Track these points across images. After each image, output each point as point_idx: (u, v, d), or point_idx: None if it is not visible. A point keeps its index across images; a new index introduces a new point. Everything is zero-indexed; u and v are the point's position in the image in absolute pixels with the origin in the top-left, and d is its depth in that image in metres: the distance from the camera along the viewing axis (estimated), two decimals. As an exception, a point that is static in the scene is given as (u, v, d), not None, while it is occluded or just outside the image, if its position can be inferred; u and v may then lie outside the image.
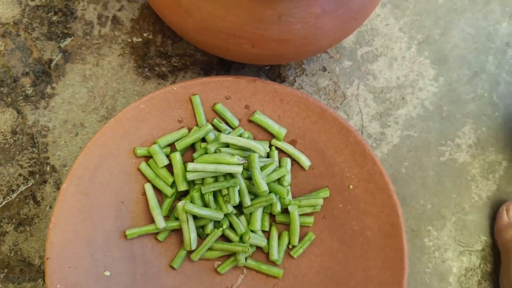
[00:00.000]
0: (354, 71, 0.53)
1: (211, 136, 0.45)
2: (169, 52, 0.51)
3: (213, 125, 0.46)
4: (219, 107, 0.46)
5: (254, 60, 0.44)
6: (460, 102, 0.53)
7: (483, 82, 0.54)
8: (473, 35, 0.55)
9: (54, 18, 0.51)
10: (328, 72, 0.53)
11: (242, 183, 0.43)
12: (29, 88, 0.49)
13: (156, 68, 0.51)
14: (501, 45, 0.55)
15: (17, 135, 0.48)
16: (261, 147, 0.43)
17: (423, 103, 0.53)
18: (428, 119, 0.52)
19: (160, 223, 0.43)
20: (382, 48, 0.54)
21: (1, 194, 0.46)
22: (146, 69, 0.51)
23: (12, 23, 0.51)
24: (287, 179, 0.45)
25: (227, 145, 0.44)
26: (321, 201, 0.45)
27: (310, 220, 0.46)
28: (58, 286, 0.40)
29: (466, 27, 0.55)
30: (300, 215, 0.46)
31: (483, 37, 0.55)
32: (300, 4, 0.39)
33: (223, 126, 0.46)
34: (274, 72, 0.52)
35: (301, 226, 0.46)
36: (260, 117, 0.46)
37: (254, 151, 0.44)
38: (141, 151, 0.44)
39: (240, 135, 0.45)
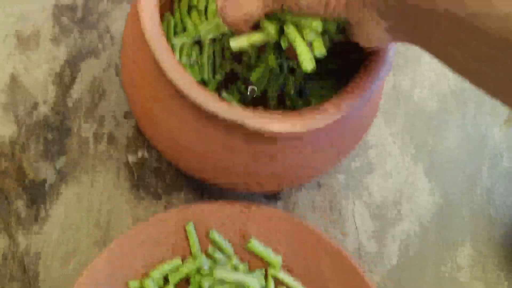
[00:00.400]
0: (349, 185, 0.53)
1: (205, 267, 0.44)
2: (164, 170, 0.51)
3: (207, 254, 0.45)
4: (214, 235, 0.45)
5: (248, 190, 0.44)
6: (457, 216, 0.53)
7: (478, 196, 0.54)
8: (466, 140, 0.55)
9: (50, 136, 0.51)
10: (324, 188, 0.52)
11: None
12: (23, 210, 0.49)
13: (151, 189, 0.51)
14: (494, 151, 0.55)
15: (8, 261, 0.47)
16: (257, 284, 0.43)
17: (420, 219, 0.52)
18: (426, 236, 0.52)
19: None
20: (375, 160, 0.54)
21: (-10, 325, 0.45)
22: (141, 189, 0.50)
23: (8, 143, 0.51)
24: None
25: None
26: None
27: None
28: None
29: (459, 133, 0.56)
30: None
31: (476, 142, 0.55)
32: (292, 146, 0.39)
33: (217, 256, 0.45)
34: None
35: None
36: (255, 246, 0.45)
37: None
38: (134, 284, 0.44)
39: (235, 267, 0.45)
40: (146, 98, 0.40)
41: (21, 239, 0.48)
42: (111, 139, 0.52)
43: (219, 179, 0.42)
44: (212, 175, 0.42)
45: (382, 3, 0.31)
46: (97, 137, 0.52)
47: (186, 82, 0.35)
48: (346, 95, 0.37)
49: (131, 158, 0.51)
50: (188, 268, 0.44)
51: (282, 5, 0.34)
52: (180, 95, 0.37)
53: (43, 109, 0.52)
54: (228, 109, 0.35)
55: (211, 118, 0.37)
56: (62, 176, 0.50)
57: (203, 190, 0.51)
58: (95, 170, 0.51)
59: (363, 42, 0.35)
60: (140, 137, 0.52)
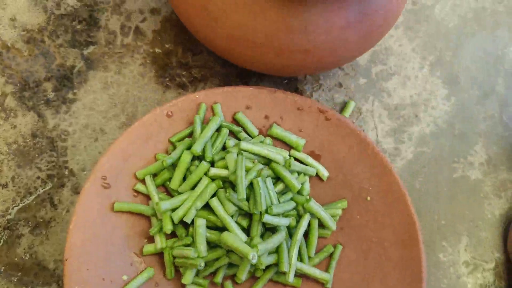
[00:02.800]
0: (369, 88, 0.53)
1: (231, 143, 0.44)
2: (190, 63, 0.51)
3: (233, 133, 0.46)
4: (240, 116, 0.46)
5: (277, 70, 0.44)
6: (471, 121, 0.53)
7: (493, 103, 0.54)
8: (483, 57, 0.56)
9: (78, 26, 0.51)
10: (344, 88, 0.53)
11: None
12: (51, 93, 0.49)
13: (177, 78, 0.51)
14: (510, 68, 0.56)
15: (37, 138, 0.47)
16: (280, 157, 0.43)
17: (436, 121, 0.53)
18: (441, 136, 0.52)
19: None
20: (395, 67, 0.54)
21: (19, 196, 0.45)
22: (167, 79, 0.51)
23: (37, 30, 0.50)
24: (306, 187, 0.45)
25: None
26: (339, 212, 0.45)
27: (327, 231, 0.45)
28: (76, 284, 0.39)
29: (476, 50, 0.56)
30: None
31: (492, 60, 0.56)
32: (326, 16, 0.39)
33: (243, 134, 0.45)
34: (291, 86, 0.52)
35: (319, 237, 0.45)
36: (277, 131, 0.46)
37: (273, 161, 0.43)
38: (162, 156, 0.44)
39: (262, 142, 0.45)
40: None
41: (49, 118, 0.48)
42: (138, 32, 0.52)
43: (251, 55, 0.42)
44: (244, 50, 0.42)
45: None
46: (124, 30, 0.52)
47: None
48: None
49: (158, 51, 0.51)
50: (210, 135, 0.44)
51: None
52: None
53: (71, 1, 0.52)
54: None
55: None
56: (89, 63, 0.50)
57: (228, 82, 0.51)
58: (122, 60, 0.51)
59: None
60: (166, 32, 0.52)
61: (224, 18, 0.40)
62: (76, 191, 0.46)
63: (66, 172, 0.46)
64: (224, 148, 0.45)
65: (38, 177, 0.46)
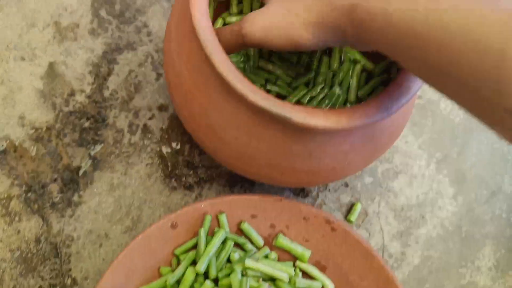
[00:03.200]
0: (375, 187, 0.53)
1: (236, 256, 0.44)
2: (196, 163, 0.51)
3: (238, 244, 0.45)
4: (245, 226, 0.45)
5: (282, 184, 0.44)
6: (479, 223, 0.53)
7: (501, 203, 0.54)
8: (489, 154, 0.56)
9: (86, 124, 0.51)
10: (350, 188, 0.52)
11: None
12: (57, 195, 0.49)
13: (183, 179, 0.51)
14: (517, 166, 0.56)
15: (41, 244, 0.47)
16: (285, 275, 0.42)
17: (443, 223, 0.52)
18: (448, 239, 0.52)
19: None
20: (402, 166, 0.54)
21: (21, 305, 0.45)
22: (173, 180, 0.50)
23: (45, 128, 0.51)
24: (312, 305, 0.44)
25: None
26: (345, 329, 0.44)
27: None
28: None
29: (482, 146, 0.56)
30: None
31: (498, 157, 0.56)
32: (331, 143, 0.39)
33: (248, 246, 0.45)
34: (297, 188, 0.52)
35: None
36: (283, 241, 0.45)
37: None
38: (166, 270, 0.43)
39: (267, 256, 0.44)
40: (190, 90, 0.40)
41: (54, 222, 0.48)
42: (146, 130, 0.52)
43: (256, 173, 0.42)
44: (250, 168, 0.42)
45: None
46: (132, 128, 0.52)
47: (237, 77, 0.35)
48: (387, 96, 0.37)
49: (165, 149, 0.51)
50: (214, 252, 0.44)
51: None
52: (227, 89, 0.37)
53: (80, 98, 0.52)
54: (277, 104, 0.35)
55: (258, 112, 0.36)
56: (96, 164, 0.50)
57: (234, 183, 0.51)
58: (129, 159, 0.51)
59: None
60: (174, 130, 0.52)
61: (229, 138, 0.40)
62: (78, 300, 0.45)
63: (69, 281, 0.46)
64: (229, 260, 0.44)
65: (40, 287, 0.45)
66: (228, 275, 0.43)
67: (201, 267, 0.42)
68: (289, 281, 0.43)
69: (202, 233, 0.44)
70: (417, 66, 0.30)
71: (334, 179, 0.43)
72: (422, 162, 0.54)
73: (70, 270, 0.46)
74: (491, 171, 0.55)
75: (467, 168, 0.55)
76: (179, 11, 0.42)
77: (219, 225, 0.45)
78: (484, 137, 0.56)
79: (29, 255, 0.46)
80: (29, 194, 0.48)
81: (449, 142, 0.55)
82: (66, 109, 0.52)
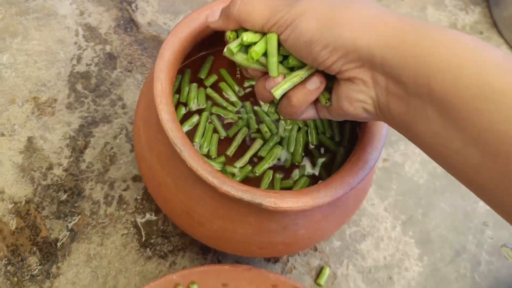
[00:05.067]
0: (344, 250, 0.58)
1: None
2: (170, 231, 0.56)
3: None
4: (217, 295, 0.50)
5: (259, 256, 0.50)
6: (444, 282, 0.58)
7: (465, 262, 0.59)
8: (453, 214, 0.62)
9: (64, 197, 0.57)
10: (319, 252, 0.58)
11: None
12: (35, 267, 0.53)
13: (157, 248, 0.56)
14: (479, 225, 0.61)
15: (20, 317, 0.51)
16: None
17: (410, 284, 0.58)
18: (414, 299, 0.57)
19: None
20: (368, 228, 0.60)
21: None
22: (148, 249, 0.56)
23: (24, 202, 0.56)
24: None
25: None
26: None
27: None
28: None
29: (446, 207, 0.62)
30: None
31: (461, 217, 0.62)
32: (303, 216, 0.45)
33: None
34: (268, 252, 0.57)
35: None
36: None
37: None
38: None
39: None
40: (164, 181, 0.46)
41: (33, 295, 0.52)
42: (121, 201, 0.57)
43: (236, 249, 0.48)
44: (229, 246, 0.48)
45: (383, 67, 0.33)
46: (107, 199, 0.57)
47: (209, 171, 0.41)
48: (348, 172, 0.43)
49: (139, 220, 0.57)
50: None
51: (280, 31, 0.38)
52: (200, 181, 0.42)
53: (58, 172, 0.58)
54: (248, 192, 0.41)
55: (232, 199, 0.42)
56: (73, 235, 0.55)
57: (207, 251, 0.56)
58: (105, 230, 0.56)
59: (346, 106, 0.37)
60: (148, 200, 0.58)
61: (207, 223, 0.45)
62: None
63: None
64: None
65: None
66: None
67: None
68: None
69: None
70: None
71: (308, 246, 0.49)
72: (388, 224, 0.60)
73: None
74: (455, 230, 0.61)
75: (431, 229, 0.60)
76: (145, 98, 0.49)
77: (191, 295, 0.50)
78: (447, 197, 0.62)
79: (8, 328, 0.51)
80: (8, 267, 0.53)
81: (413, 203, 0.61)
82: (44, 183, 0.57)
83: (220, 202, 0.43)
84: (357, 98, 0.36)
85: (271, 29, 0.38)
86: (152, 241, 0.56)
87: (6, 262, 0.53)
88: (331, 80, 0.39)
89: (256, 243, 0.46)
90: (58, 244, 0.55)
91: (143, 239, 0.56)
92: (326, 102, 0.40)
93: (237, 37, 0.41)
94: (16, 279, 0.53)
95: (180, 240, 0.56)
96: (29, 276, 0.53)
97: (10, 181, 0.57)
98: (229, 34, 0.41)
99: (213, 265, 0.51)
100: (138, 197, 0.58)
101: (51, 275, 0.53)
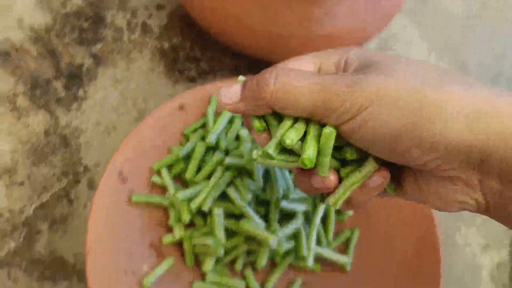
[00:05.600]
0: (377, 74, 0.55)
1: (244, 133, 0.46)
2: (198, 56, 0.53)
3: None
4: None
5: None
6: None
7: (503, 86, 0.57)
8: (489, 41, 0.58)
9: (85, 25, 0.53)
10: (352, 76, 0.55)
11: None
12: (62, 91, 0.51)
13: (186, 72, 0.53)
14: (516, 50, 0.58)
15: (50, 136, 0.49)
16: None
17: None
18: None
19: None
20: (403, 54, 0.57)
21: (36, 193, 0.47)
22: (176, 73, 0.53)
23: (44, 30, 0.53)
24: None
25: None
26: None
27: (344, 215, 0.47)
28: (99, 279, 0.41)
29: (482, 34, 0.58)
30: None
31: (499, 43, 0.58)
32: (344, 1, 0.41)
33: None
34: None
35: (336, 221, 0.47)
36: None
37: None
38: (176, 148, 0.46)
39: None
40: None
41: (61, 116, 0.50)
42: (145, 28, 0.54)
43: (267, 49, 0.45)
44: (261, 44, 0.44)
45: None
46: (130, 26, 0.54)
47: None
48: None
49: (165, 45, 0.54)
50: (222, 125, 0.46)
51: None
52: None
53: (77, 1, 0.54)
54: None
55: None
56: (98, 61, 0.52)
57: (238, 74, 0.53)
58: (130, 56, 0.53)
59: (433, 201, 0.29)
60: (173, 27, 0.54)
61: (245, 16, 0.42)
62: (91, 186, 0.48)
63: (81, 169, 0.48)
64: (237, 138, 0.47)
65: (54, 174, 0.48)
66: (238, 148, 0.45)
67: (211, 139, 0.44)
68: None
69: (210, 110, 0.46)
70: None
71: (348, 45, 0.46)
72: (423, 51, 0.57)
73: (81, 158, 0.48)
74: (491, 57, 0.57)
75: (467, 55, 0.57)
76: None
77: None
78: (485, 25, 0.58)
79: (40, 146, 0.48)
80: (34, 91, 0.50)
81: (449, 30, 0.58)
82: (63, 11, 0.53)
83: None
84: (454, 198, 0.28)
85: (325, 119, 0.27)
86: (179, 66, 0.53)
87: (32, 86, 0.51)
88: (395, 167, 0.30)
89: (296, 37, 0.43)
90: (83, 69, 0.52)
91: (171, 64, 0.53)
92: (392, 191, 0.31)
93: (265, 123, 0.30)
94: (43, 101, 0.50)
95: (208, 65, 0.53)
96: (55, 99, 0.50)
97: (28, 10, 0.53)
98: (257, 125, 0.30)
99: (247, 76, 0.48)
100: (162, 24, 0.54)
101: (78, 98, 0.51)
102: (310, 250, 0.43)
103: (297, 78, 0.28)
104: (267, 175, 0.44)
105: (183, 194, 0.43)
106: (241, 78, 0.32)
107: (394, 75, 0.26)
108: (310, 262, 0.43)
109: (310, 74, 0.28)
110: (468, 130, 0.25)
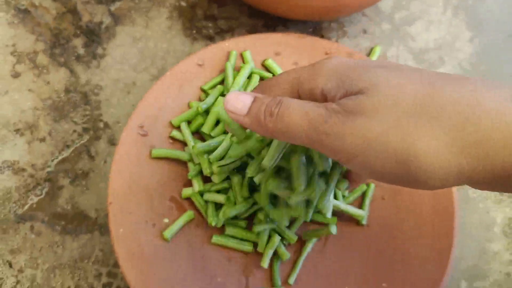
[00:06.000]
0: (394, 33, 0.54)
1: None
2: (216, 15, 0.53)
3: (263, 79, 0.47)
4: (270, 62, 0.47)
5: (312, 15, 0.46)
6: (496, 63, 0.55)
7: (518, 44, 0.56)
8: (506, 0, 0.57)
9: (103, -17, 0.53)
10: (369, 34, 0.54)
11: None
12: (81, 48, 0.50)
13: (203, 30, 0.52)
14: (534, 10, 0.57)
15: (71, 93, 0.49)
16: None
17: (461, 64, 0.54)
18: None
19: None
20: (419, 12, 0.55)
21: (57, 149, 0.47)
22: (194, 31, 0.52)
23: (62, -12, 0.52)
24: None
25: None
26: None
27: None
28: (121, 230, 0.41)
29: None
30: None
31: (515, 3, 0.57)
32: None
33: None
34: (317, 35, 0.53)
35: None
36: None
37: None
38: (196, 103, 0.46)
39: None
40: None
41: (81, 73, 0.50)
42: (162, -14, 0.53)
43: (283, 4, 0.44)
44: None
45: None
46: (148, -15, 0.53)
47: None
48: None
49: (183, 3, 0.53)
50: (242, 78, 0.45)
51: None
52: None
53: (94, -41, 0.53)
54: None
55: None
56: (116, 19, 0.52)
57: (255, 33, 0.53)
58: (149, 14, 0.52)
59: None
60: (190, -15, 0.53)
61: None
62: (112, 142, 0.48)
63: (101, 125, 0.48)
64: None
65: (74, 131, 0.48)
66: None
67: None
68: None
69: (229, 66, 0.45)
70: None
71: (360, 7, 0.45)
72: (438, 8, 0.56)
73: (101, 115, 0.48)
74: (508, 15, 0.56)
75: (483, 13, 0.56)
76: None
77: (244, 62, 0.47)
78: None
79: (61, 103, 0.48)
80: (54, 49, 0.50)
81: (465, -12, 0.57)
82: (81, -31, 0.53)
83: None
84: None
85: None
86: (197, 24, 0.52)
87: (51, 44, 0.50)
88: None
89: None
90: (102, 27, 0.51)
91: (189, 22, 0.52)
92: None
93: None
94: (63, 59, 0.50)
95: (226, 23, 0.53)
96: (75, 56, 0.50)
97: (47, -32, 0.52)
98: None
99: (266, 33, 0.48)
100: (179, -17, 0.53)
101: (98, 56, 0.50)
102: (329, 203, 0.43)
103: (296, 112, 0.28)
104: None
105: (202, 145, 0.43)
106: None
107: (381, 119, 0.26)
108: (329, 214, 0.43)
109: (306, 108, 0.28)
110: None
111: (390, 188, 0.46)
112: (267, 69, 0.48)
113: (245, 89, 0.46)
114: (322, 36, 0.53)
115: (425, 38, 0.54)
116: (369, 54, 0.53)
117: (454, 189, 0.44)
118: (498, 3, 0.56)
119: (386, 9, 0.55)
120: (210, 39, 0.52)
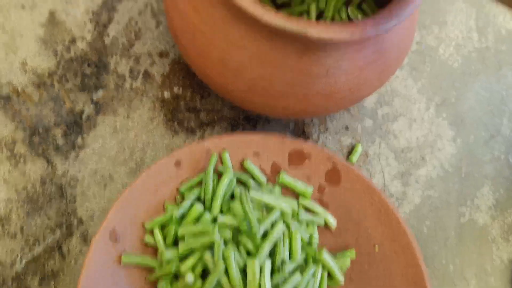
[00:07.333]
0: (376, 130, 0.51)
1: (239, 191, 0.43)
2: (198, 107, 0.50)
3: (240, 181, 0.44)
4: (248, 164, 0.44)
5: (296, 115, 0.43)
6: (478, 164, 0.52)
7: (499, 145, 0.53)
8: (488, 98, 0.54)
9: (88, 70, 0.50)
10: (351, 131, 0.51)
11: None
12: (61, 138, 0.47)
13: (185, 123, 0.49)
14: (515, 109, 0.54)
15: (46, 185, 0.46)
16: (289, 208, 0.41)
17: (443, 164, 0.51)
18: (447, 180, 0.51)
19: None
20: (401, 109, 0.53)
21: (27, 245, 0.44)
22: (175, 123, 0.49)
23: (47, 74, 0.49)
24: (315, 237, 0.43)
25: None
26: (348, 263, 0.43)
27: (336, 283, 0.43)
28: None
29: (481, 90, 0.55)
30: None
31: (497, 100, 0.54)
32: (346, 57, 0.37)
33: (251, 183, 0.44)
34: (298, 130, 0.50)
35: None
36: (286, 179, 0.44)
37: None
38: (171, 206, 0.42)
39: (270, 191, 0.43)
40: (197, 27, 0.38)
41: (59, 164, 0.46)
42: (147, 76, 0.50)
43: (272, 104, 0.40)
44: (264, 100, 0.40)
45: None
46: (133, 73, 0.50)
47: (247, 1, 0.34)
48: (396, 5, 0.35)
49: (166, 94, 0.50)
50: (224, 187, 0.42)
51: None
52: (238, 15, 0.35)
53: (81, 45, 0.51)
54: (291, 20, 0.33)
55: (270, 36, 0.35)
56: (98, 108, 0.49)
57: (235, 126, 0.50)
58: (131, 104, 0.49)
59: None
60: (175, 75, 0.51)
61: (243, 71, 0.38)
62: (84, 239, 0.44)
63: (75, 221, 0.45)
64: (232, 196, 0.43)
65: (47, 226, 0.44)
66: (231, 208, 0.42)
67: (214, 212, 0.41)
68: (292, 215, 0.42)
69: (211, 171, 0.42)
70: None
71: (349, 102, 0.42)
72: (421, 105, 0.53)
73: (76, 209, 0.45)
74: (489, 114, 0.54)
75: (465, 111, 0.53)
76: None
77: (221, 163, 0.44)
78: (482, 80, 0.55)
79: (35, 195, 0.45)
80: (33, 138, 0.47)
81: (447, 86, 0.54)
82: (67, 56, 0.50)
83: (261, 42, 0.36)
84: None
85: None
86: (179, 115, 0.49)
87: (31, 133, 0.47)
88: None
89: (296, 94, 0.39)
90: (83, 116, 0.48)
91: (171, 113, 0.49)
92: None
93: None
94: (41, 149, 0.47)
95: (208, 116, 0.50)
96: (54, 146, 0.47)
97: (33, 53, 0.50)
98: None
99: (246, 133, 0.45)
100: (164, 73, 0.51)
101: (77, 146, 0.47)
102: None
103: None
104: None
105: (170, 253, 0.39)
106: None
107: None
108: None
109: None
110: None
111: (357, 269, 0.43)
112: (245, 170, 0.44)
113: (224, 197, 0.42)
114: (303, 132, 0.50)
115: (407, 136, 0.52)
116: (350, 152, 0.50)
117: (426, 274, 0.41)
118: (479, 102, 0.54)
119: (369, 105, 0.52)
120: (191, 131, 0.49)
